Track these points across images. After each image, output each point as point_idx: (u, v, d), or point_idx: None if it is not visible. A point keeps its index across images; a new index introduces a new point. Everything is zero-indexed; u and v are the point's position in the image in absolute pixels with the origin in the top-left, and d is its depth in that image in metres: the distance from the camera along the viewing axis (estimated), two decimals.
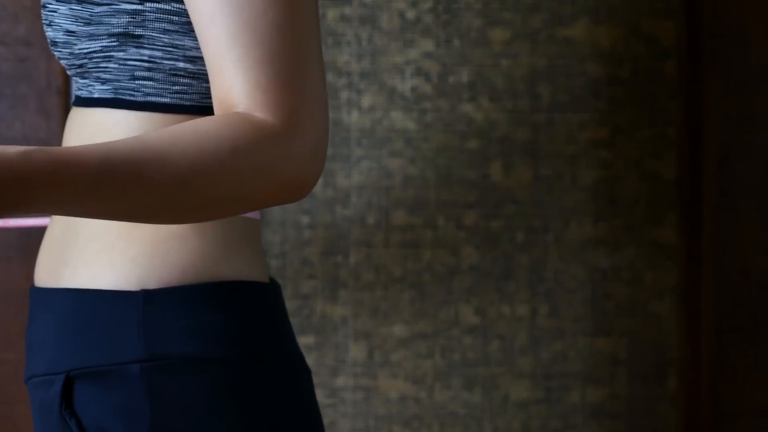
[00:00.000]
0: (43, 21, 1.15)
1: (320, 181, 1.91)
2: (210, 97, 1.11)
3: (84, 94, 1.15)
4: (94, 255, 1.11)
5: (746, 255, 1.93)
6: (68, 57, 1.13)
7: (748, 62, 1.93)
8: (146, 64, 1.10)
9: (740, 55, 1.93)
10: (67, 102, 1.90)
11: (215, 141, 0.96)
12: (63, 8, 1.11)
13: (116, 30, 1.10)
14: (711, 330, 1.94)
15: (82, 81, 1.15)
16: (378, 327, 1.92)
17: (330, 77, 1.92)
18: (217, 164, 0.95)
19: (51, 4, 1.13)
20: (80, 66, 1.12)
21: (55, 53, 1.15)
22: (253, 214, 1.16)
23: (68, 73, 1.17)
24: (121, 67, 1.11)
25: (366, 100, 1.91)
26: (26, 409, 1.86)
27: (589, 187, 1.93)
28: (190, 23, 1.08)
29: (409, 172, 1.91)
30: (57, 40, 1.13)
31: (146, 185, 0.93)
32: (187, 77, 1.11)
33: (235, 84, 0.99)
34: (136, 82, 1.11)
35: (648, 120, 1.94)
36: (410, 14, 1.91)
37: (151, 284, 1.10)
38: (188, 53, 1.10)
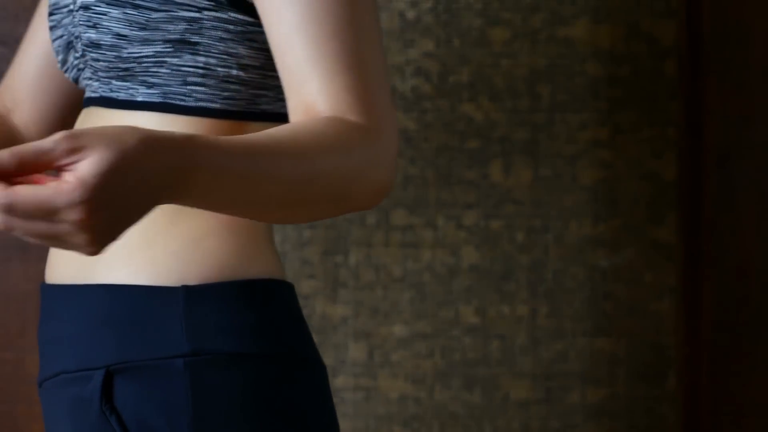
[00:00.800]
0: (83, 23, 1.13)
1: None
2: (255, 104, 1.14)
3: (122, 96, 1.15)
4: (132, 251, 1.12)
5: (746, 255, 1.94)
6: (112, 60, 1.13)
7: (748, 62, 1.93)
8: (200, 71, 1.12)
9: (740, 55, 1.93)
10: None
11: (328, 141, 1.01)
12: (115, 12, 1.12)
13: (172, 36, 1.11)
14: (711, 330, 1.94)
15: (119, 83, 1.15)
16: (378, 327, 1.92)
17: None
18: (332, 163, 1.00)
19: (98, 6, 1.12)
20: (125, 69, 1.13)
21: (90, 54, 1.14)
22: None
23: (97, 74, 1.16)
24: (173, 72, 1.12)
25: None
26: (26, 409, 1.86)
27: (589, 187, 1.93)
28: (245, 32, 1.11)
29: (409, 172, 1.91)
30: (102, 42, 1.13)
31: (280, 179, 0.98)
32: (238, 84, 1.13)
33: (325, 90, 1.04)
34: (187, 87, 1.13)
35: (648, 120, 1.94)
36: (410, 14, 1.91)
37: (191, 280, 1.11)
38: (241, 61, 1.12)
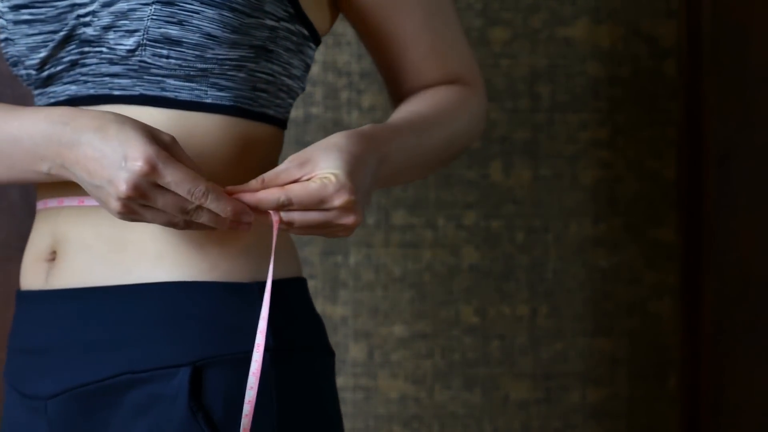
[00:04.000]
0: (162, 18, 1.12)
1: None
2: (287, 111, 1.22)
3: (183, 96, 1.15)
4: (203, 248, 1.14)
5: (746, 255, 1.94)
6: (191, 59, 1.12)
7: (748, 62, 1.93)
8: (269, 78, 1.18)
9: (740, 55, 1.93)
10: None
11: (457, 105, 1.25)
12: (211, 12, 1.12)
13: (257, 42, 1.15)
14: (711, 330, 1.94)
15: (178, 83, 1.14)
16: (378, 327, 1.92)
17: (330, 77, 1.92)
18: (463, 123, 1.25)
19: (190, 4, 1.12)
20: (201, 70, 1.13)
21: (159, 50, 1.13)
22: None
23: (147, 71, 1.13)
24: (248, 77, 1.16)
25: (366, 100, 1.91)
26: None
27: (589, 187, 1.93)
28: (300, 44, 1.20)
29: None
30: (185, 40, 1.12)
31: (433, 144, 1.21)
32: (285, 92, 1.20)
33: (449, 68, 1.27)
34: (255, 92, 1.17)
35: (648, 120, 1.94)
36: None
37: (262, 277, 1.15)
38: (293, 71, 1.21)
